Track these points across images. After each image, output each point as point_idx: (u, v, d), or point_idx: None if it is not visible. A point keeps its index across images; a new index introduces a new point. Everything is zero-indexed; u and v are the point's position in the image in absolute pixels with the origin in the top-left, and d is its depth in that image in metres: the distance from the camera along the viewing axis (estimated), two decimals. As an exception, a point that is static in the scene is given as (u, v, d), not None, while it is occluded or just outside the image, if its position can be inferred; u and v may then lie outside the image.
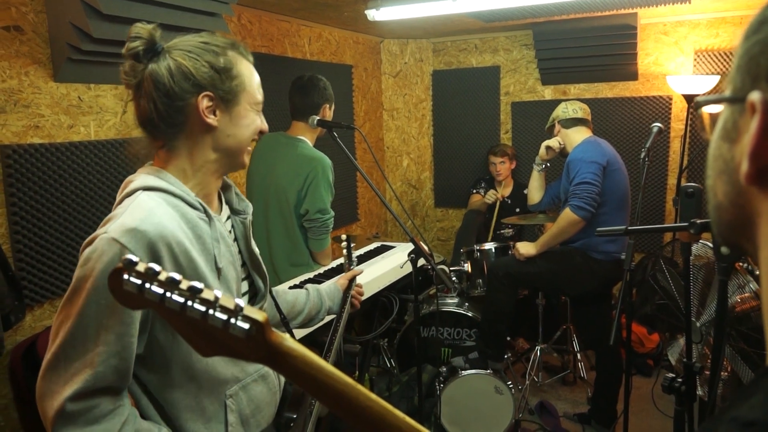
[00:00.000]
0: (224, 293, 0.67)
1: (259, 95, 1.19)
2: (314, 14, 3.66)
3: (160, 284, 0.64)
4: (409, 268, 2.31)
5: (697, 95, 3.80)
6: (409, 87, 5.02)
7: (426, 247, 2.22)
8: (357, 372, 3.15)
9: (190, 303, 0.63)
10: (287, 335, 0.67)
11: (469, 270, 3.53)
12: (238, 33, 3.30)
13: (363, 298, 2.47)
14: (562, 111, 3.14)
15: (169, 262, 1.05)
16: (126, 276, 0.64)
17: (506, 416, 2.91)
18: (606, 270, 2.91)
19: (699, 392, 2.07)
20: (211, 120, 1.12)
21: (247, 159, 1.22)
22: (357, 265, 1.94)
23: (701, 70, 4.03)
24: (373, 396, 0.67)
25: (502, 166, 4.20)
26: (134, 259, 0.64)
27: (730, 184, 0.47)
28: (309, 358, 0.66)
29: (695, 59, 4.06)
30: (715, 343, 1.40)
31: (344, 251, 1.88)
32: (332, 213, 2.64)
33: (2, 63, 2.16)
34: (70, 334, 1.00)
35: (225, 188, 1.31)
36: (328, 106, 2.72)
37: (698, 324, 2.20)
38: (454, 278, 3.51)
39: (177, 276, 0.64)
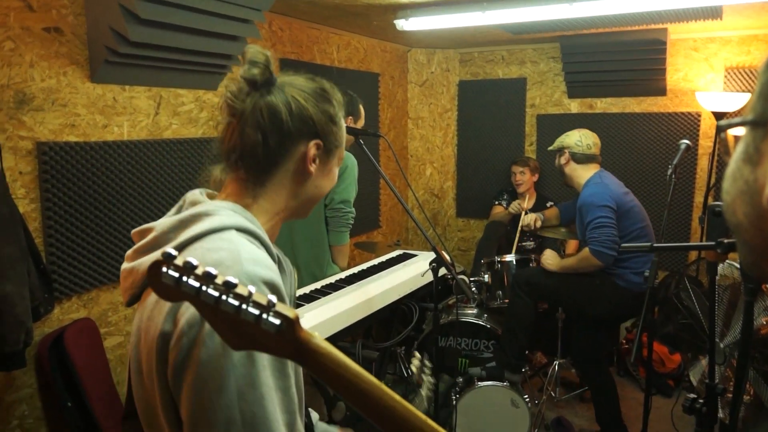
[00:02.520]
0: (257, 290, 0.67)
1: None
2: (344, 22, 3.71)
3: (197, 278, 0.65)
4: (429, 277, 2.32)
5: (727, 113, 3.75)
6: (434, 96, 5.04)
7: (447, 257, 2.23)
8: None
9: (224, 297, 0.65)
10: (316, 333, 0.69)
11: (489, 281, 3.52)
12: (269, 39, 3.36)
13: (382, 305, 2.49)
14: (576, 143, 3.08)
15: None
16: (165, 269, 0.66)
17: (522, 430, 2.89)
18: (624, 299, 2.89)
19: (720, 414, 2.03)
20: (312, 168, 1.05)
21: (304, 215, 1.14)
22: (422, 366, 1.72)
23: (732, 87, 3.98)
24: (398, 397, 0.69)
25: (522, 176, 4.20)
26: (173, 252, 0.66)
27: (751, 205, 0.47)
28: (336, 356, 0.68)
29: (726, 76, 4.01)
30: (738, 364, 1.38)
31: (415, 375, 1.67)
32: (354, 211, 2.67)
33: (42, 63, 2.23)
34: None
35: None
36: (351, 119, 2.75)
37: (722, 345, 2.17)
38: (473, 289, 3.50)
39: (213, 270, 0.65)
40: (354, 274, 2.82)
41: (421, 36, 4.19)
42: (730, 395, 2.01)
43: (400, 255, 3.21)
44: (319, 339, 0.68)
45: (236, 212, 0.97)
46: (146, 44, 2.31)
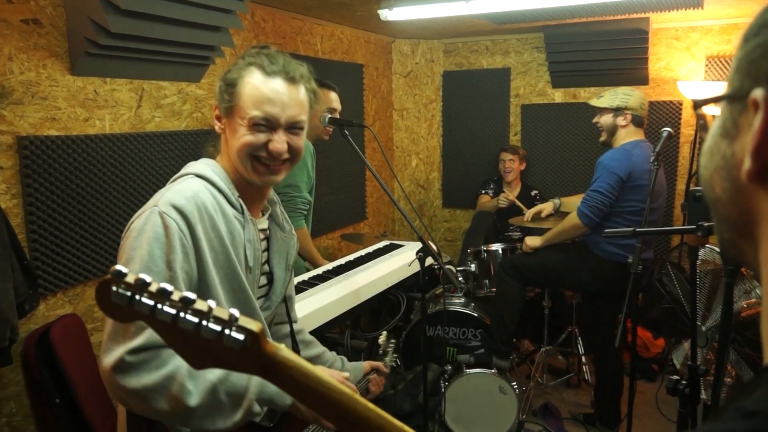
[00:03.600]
0: (218, 304, 0.65)
1: (255, 111, 1.20)
2: (327, 13, 3.69)
3: (151, 295, 0.61)
4: (416, 267, 2.33)
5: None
6: (419, 87, 5.04)
7: (434, 246, 2.24)
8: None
9: (182, 314, 0.61)
10: (282, 345, 0.65)
11: (476, 270, 3.54)
12: (252, 30, 3.33)
13: (370, 296, 2.49)
14: (640, 106, 2.94)
15: (206, 241, 1.16)
16: (114, 288, 0.61)
17: (510, 417, 2.92)
18: (607, 270, 2.91)
19: (702, 396, 2.07)
20: (218, 128, 1.27)
21: (253, 176, 1.25)
22: (387, 341, 1.83)
23: (713, 76, 4.02)
24: (371, 406, 0.66)
25: (511, 164, 4.23)
26: (123, 269, 0.62)
27: (728, 180, 0.47)
28: (305, 368, 0.65)
29: (707, 65, 4.05)
30: (719, 343, 1.41)
31: (381, 346, 1.79)
32: (306, 197, 2.63)
33: (21, 55, 2.20)
34: None
35: (271, 204, 1.41)
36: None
37: (704, 328, 2.21)
38: (460, 278, 3.52)
39: (168, 287, 0.62)
40: (341, 265, 2.82)
41: (405, 26, 4.18)
42: (711, 377, 2.05)
43: (386, 246, 3.22)
44: (287, 351, 0.65)
45: (204, 164, 1.26)
46: (127, 35, 2.29)
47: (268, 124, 1.21)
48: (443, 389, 2.96)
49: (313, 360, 1.59)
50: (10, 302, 1.95)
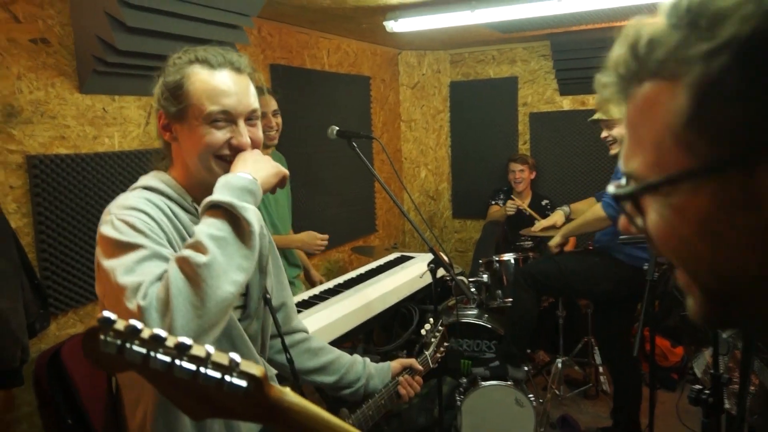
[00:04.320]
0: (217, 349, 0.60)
1: (213, 106, 1.14)
2: (333, 26, 3.70)
3: (143, 343, 0.57)
4: (428, 279, 2.30)
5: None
6: (426, 98, 5.03)
7: (446, 257, 2.21)
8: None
9: (177, 362, 0.56)
10: (287, 389, 0.61)
11: (488, 281, 3.50)
12: (258, 45, 3.35)
13: (382, 309, 2.46)
14: None
15: (169, 234, 1.12)
16: (102, 336, 0.57)
17: (527, 429, 2.87)
18: (626, 275, 2.85)
19: (726, 405, 2.01)
20: (167, 136, 1.21)
21: (212, 176, 1.16)
22: (434, 328, 1.71)
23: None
24: None
25: (521, 174, 4.19)
26: (112, 317, 0.57)
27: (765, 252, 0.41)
28: (313, 413, 0.61)
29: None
30: (743, 351, 1.37)
31: (425, 337, 1.66)
32: None
33: (29, 75, 2.21)
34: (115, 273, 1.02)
35: None
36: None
37: (725, 335, 2.15)
38: (473, 289, 3.48)
39: (162, 333, 0.57)
40: (352, 278, 2.80)
41: (411, 38, 4.18)
42: (734, 386, 1.99)
43: (397, 258, 3.20)
44: (292, 395, 0.61)
45: (151, 176, 1.22)
46: (134, 53, 2.29)
47: (227, 118, 1.15)
48: (459, 402, 2.91)
49: (328, 367, 1.48)
50: (20, 322, 1.93)
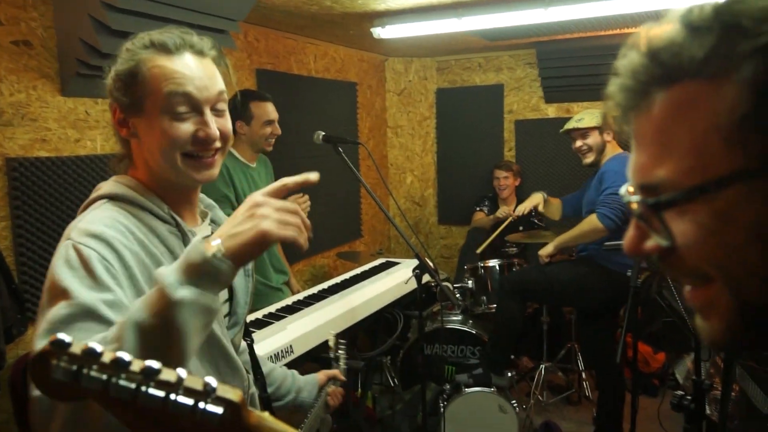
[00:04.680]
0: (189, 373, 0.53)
1: (174, 96, 1.00)
2: (320, 32, 3.70)
3: (103, 368, 0.51)
4: (413, 285, 2.30)
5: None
6: (413, 105, 5.05)
7: (431, 263, 2.21)
8: (360, 390, 3.12)
9: (143, 388, 0.50)
10: (266, 414, 0.57)
11: (473, 287, 3.51)
12: (245, 50, 3.33)
13: (366, 315, 2.45)
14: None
15: (140, 271, 0.94)
16: (55, 362, 0.50)
17: (511, 436, 2.87)
18: (616, 282, 2.87)
19: (707, 411, 2.03)
20: (124, 133, 1.05)
21: (189, 174, 1.03)
22: (337, 342, 1.71)
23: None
24: None
25: (506, 181, 4.22)
26: (66, 339, 0.51)
27: None
28: None
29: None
30: (726, 357, 1.38)
31: (332, 349, 1.67)
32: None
33: (11, 77, 2.18)
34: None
35: (210, 207, 1.22)
36: (242, 123, 2.64)
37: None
38: (458, 295, 3.49)
39: (126, 356, 0.51)
40: (337, 283, 2.79)
41: (398, 44, 4.20)
42: (715, 392, 2.01)
43: (383, 263, 3.19)
44: (272, 421, 0.57)
45: (114, 183, 1.06)
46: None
47: (191, 107, 1.01)
48: (442, 409, 2.91)
49: (281, 383, 1.45)
50: (-3, 327, 1.90)
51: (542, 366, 3.55)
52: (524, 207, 3.40)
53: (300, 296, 2.60)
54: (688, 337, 2.24)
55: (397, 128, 5.06)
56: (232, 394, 0.52)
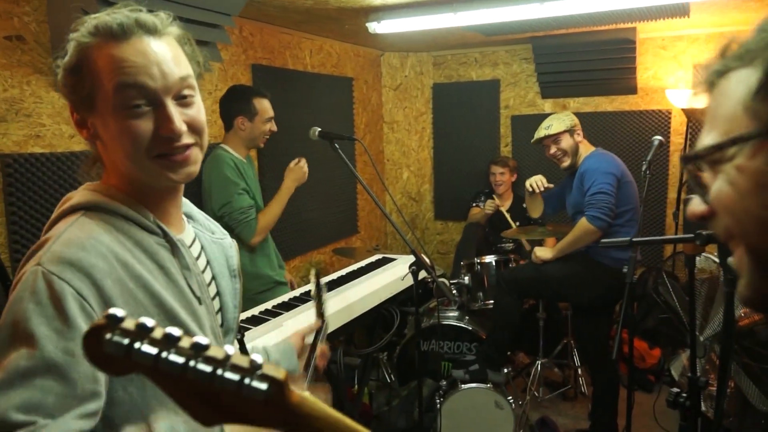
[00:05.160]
0: (236, 351, 0.54)
1: (124, 88, 0.85)
2: (316, 27, 3.68)
3: (154, 342, 0.52)
4: (409, 281, 2.29)
5: (696, 109, 3.81)
6: (409, 100, 5.03)
7: (427, 259, 2.21)
8: (356, 386, 3.12)
9: (192, 363, 0.52)
10: (307, 393, 0.58)
11: (470, 283, 3.51)
12: (240, 45, 3.31)
13: (362, 311, 2.45)
14: (572, 121, 3.07)
15: (123, 301, 0.84)
16: (108, 335, 0.52)
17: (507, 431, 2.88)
18: (610, 277, 2.88)
19: (702, 407, 2.04)
20: (85, 135, 0.92)
21: (166, 175, 0.91)
22: (317, 280, 1.63)
23: (700, 84, 4.04)
24: None
25: (502, 177, 4.21)
26: (119, 314, 0.52)
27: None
28: (333, 419, 0.58)
29: (694, 73, 4.07)
30: (721, 355, 1.38)
31: (313, 290, 1.56)
32: (242, 204, 2.58)
33: (4, 72, 2.16)
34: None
35: (186, 205, 1.10)
36: (245, 119, 2.66)
37: (701, 338, 2.19)
38: (454, 291, 3.49)
39: (176, 331, 0.53)
40: (333, 280, 2.78)
41: (394, 39, 4.18)
42: (711, 388, 2.02)
43: (379, 259, 3.19)
44: (313, 401, 0.58)
45: (89, 192, 0.93)
46: (113, 51, 2.25)
47: (148, 100, 0.86)
48: (438, 405, 2.91)
49: None
50: (-9, 325, 1.89)
51: (538, 362, 3.56)
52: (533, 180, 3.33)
53: (296, 293, 2.59)
54: (684, 334, 2.25)
55: (393, 123, 5.05)
56: (277, 372, 0.54)
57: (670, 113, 4.18)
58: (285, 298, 2.52)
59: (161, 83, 0.87)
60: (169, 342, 0.52)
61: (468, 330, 3.31)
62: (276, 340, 2.05)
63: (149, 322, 0.53)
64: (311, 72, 3.95)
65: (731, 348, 1.69)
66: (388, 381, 3.42)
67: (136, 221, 0.91)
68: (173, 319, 0.90)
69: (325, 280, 2.79)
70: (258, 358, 0.53)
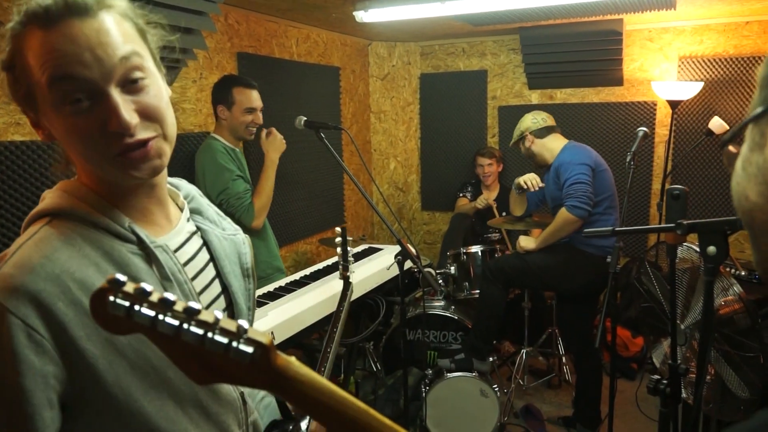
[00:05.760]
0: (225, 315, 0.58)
1: (54, 81, 0.75)
2: (302, 15, 3.65)
3: (152, 305, 0.57)
4: (395, 271, 2.30)
5: (681, 101, 3.84)
6: (396, 90, 5.02)
7: (413, 249, 2.21)
8: (342, 375, 3.13)
9: (185, 326, 0.57)
10: (293, 358, 0.61)
11: (456, 273, 3.53)
12: (225, 33, 3.28)
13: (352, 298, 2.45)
14: (532, 122, 3.18)
15: (76, 320, 0.74)
16: (111, 297, 0.57)
17: (491, 419, 2.91)
18: (594, 266, 2.91)
19: (683, 394, 2.08)
20: (42, 135, 0.83)
21: (131, 174, 0.80)
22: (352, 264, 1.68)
23: (685, 76, 4.08)
24: (388, 422, 0.63)
25: (489, 168, 4.23)
26: (121, 278, 0.57)
27: (764, 184, 0.50)
28: (318, 383, 0.61)
29: (679, 65, 4.10)
30: (701, 343, 1.40)
31: (339, 248, 1.71)
32: (238, 189, 2.59)
33: (-17, 58, 2.11)
34: None
35: (189, 197, 1.01)
36: (224, 107, 2.66)
37: (682, 326, 2.21)
38: (440, 281, 3.50)
39: (171, 296, 0.58)
40: (319, 269, 2.79)
41: (381, 29, 4.16)
42: (692, 375, 2.05)
43: (365, 249, 3.19)
44: (298, 365, 0.61)
45: (59, 194, 0.85)
46: (95, 38, 2.22)
47: (87, 93, 0.76)
48: (424, 394, 2.93)
49: None
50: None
51: (523, 350, 3.60)
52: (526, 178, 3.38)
53: (282, 282, 2.59)
54: (666, 322, 2.28)
55: (380, 113, 5.04)
56: (262, 336, 0.59)
57: (655, 105, 4.21)
58: (270, 287, 2.51)
59: (98, 71, 0.75)
60: (165, 305, 0.57)
61: (454, 319, 3.33)
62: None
63: (148, 287, 0.58)
64: (298, 61, 3.92)
65: (711, 336, 1.71)
66: (374, 370, 3.43)
67: (107, 228, 0.82)
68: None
69: (311, 269, 2.79)
70: (244, 323, 0.58)
